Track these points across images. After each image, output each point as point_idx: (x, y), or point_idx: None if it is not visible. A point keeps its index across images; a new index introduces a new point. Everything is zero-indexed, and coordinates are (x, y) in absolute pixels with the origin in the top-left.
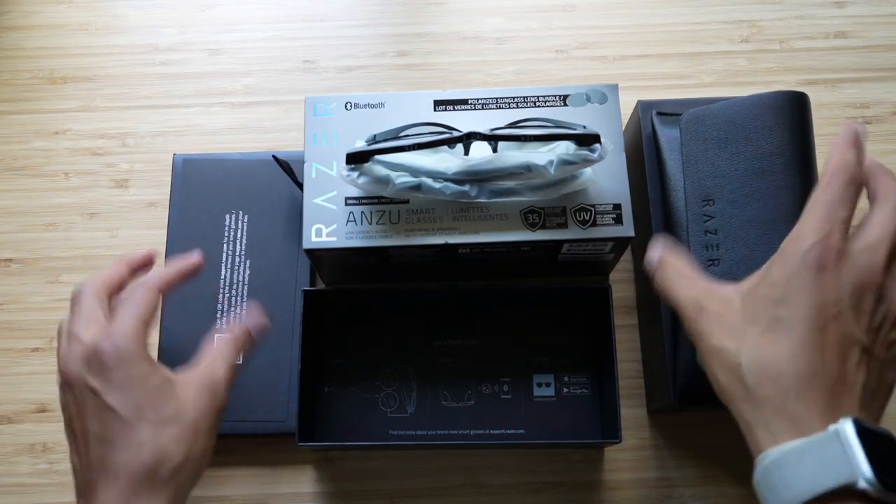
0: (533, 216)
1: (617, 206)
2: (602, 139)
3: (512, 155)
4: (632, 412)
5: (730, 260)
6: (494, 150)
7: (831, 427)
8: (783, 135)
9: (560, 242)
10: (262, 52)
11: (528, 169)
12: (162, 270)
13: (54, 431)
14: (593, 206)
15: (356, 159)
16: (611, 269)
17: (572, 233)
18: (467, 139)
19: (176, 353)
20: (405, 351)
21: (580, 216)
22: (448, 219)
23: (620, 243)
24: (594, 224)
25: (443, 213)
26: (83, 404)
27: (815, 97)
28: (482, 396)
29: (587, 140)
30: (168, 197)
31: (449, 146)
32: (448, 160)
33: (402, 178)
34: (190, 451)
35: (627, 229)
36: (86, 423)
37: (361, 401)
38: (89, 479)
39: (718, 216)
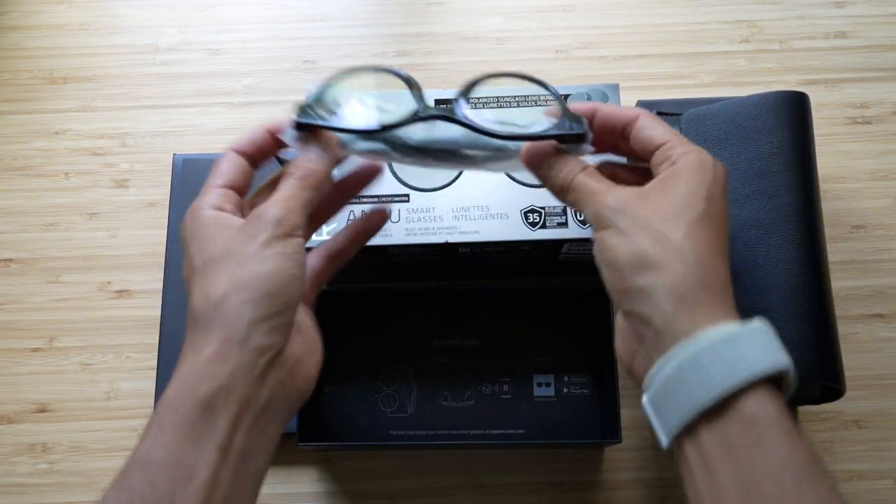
0: (533, 216)
1: None
2: (589, 135)
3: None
4: (632, 412)
5: (729, 260)
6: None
7: (756, 320)
8: (783, 135)
9: (560, 242)
10: (262, 52)
11: (500, 150)
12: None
13: (54, 431)
14: None
15: (305, 129)
16: None
17: (572, 232)
18: (427, 119)
19: (176, 354)
20: (405, 351)
21: (580, 216)
22: (448, 218)
23: None
24: None
25: (443, 213)
26: None
27: (815, 97)
28: (482, 396)
29: (570, 139)
30: (168, 197)
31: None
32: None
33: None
34: (233, 282)
35: None
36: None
37: (361, 401)
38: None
39: None
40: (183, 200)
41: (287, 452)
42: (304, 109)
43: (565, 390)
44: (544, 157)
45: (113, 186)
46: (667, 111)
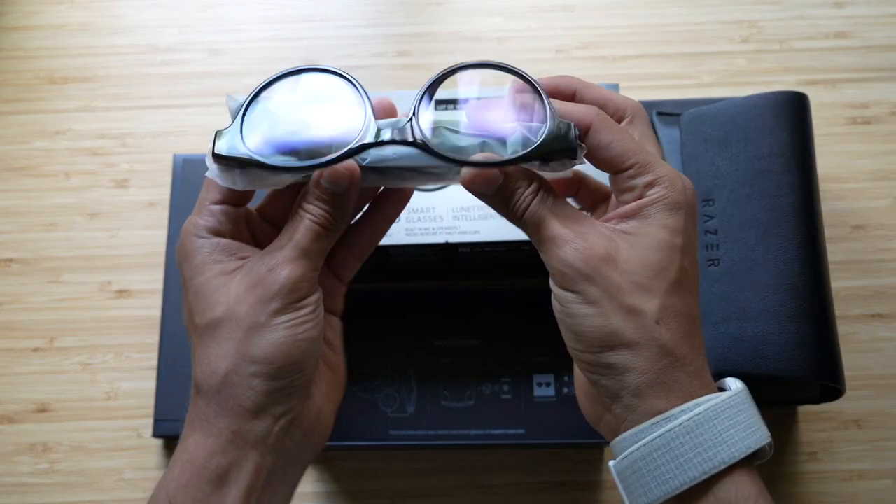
0: None
1: None
2: (578, 147)
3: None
4: None
5: (730, 260)
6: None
7: (735, 385)
8: (783, 135)
9: None
10: (262, 52)
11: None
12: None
13: (55, 431)
14: None
15: (229, 162)
16: None
17: None
18: (377, 145)
19: (176, 354)
20: (405, 351)
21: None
22: (448, 218)
23: None
24: None
25: (443, 213)
26: None
27: (815, 97)
28: (482, 396)
29: (552, 156)
30: (168, 197)
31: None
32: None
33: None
34: (241, 355)
35: None
36: None
37: (361, 401)
38: None
39: (718, 216)
40: (183, 200)
41: None
42: (221, 135)
43: (565, 390)
44: (489, 182)
45: (113, 186)
46: (667, 111)
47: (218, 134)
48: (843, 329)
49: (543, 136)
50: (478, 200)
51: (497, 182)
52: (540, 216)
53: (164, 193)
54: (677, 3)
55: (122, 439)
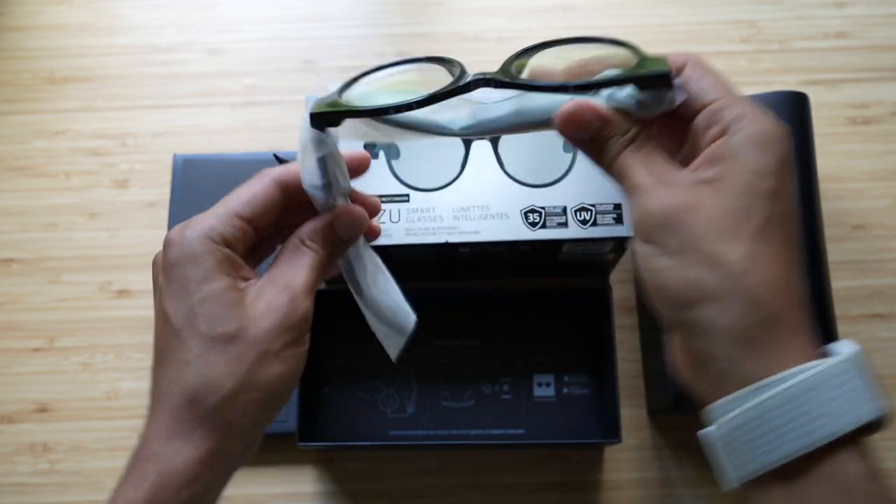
0: (533, 216)
1: (618, 206)
2: (676, 79)
3: (536, 99)
4: (632, 412)
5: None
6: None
7: (848, 348)
8: None
9: (560, 242)
10: (262, 52)
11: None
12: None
13: (55, 431)
14: (594, 205)
15: (325, 122)
16: (611, 269)
17: (572, 232)
18: (472, 87)
19: None
20: (405, 351)
21: (580, 216)
22: (448, 218)
23: (620, 243)
24: (594, 224)
25: (443, 213)
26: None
27: (815, 97)
28: (482, 396)
29: (653, 82)
30: (168, 197)
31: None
32: (452, 108)
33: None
34: (248, 378)
35: (628, 229)
36: (154, 326)
37: (361, 401)
38: (151, 396)
39: None
40: (183, 200)
41: (287, 452)
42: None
43: (565, 390)
44: (585, 126)
45: (113, 186)
46: None
47: (314, 103)
48: (843, 329)
49: (638, 61)
50: (478, 200)
51: (593, 126)
52: (627, 164)
53: (164, 193)
54: (677, 3)
55: (122, 439)
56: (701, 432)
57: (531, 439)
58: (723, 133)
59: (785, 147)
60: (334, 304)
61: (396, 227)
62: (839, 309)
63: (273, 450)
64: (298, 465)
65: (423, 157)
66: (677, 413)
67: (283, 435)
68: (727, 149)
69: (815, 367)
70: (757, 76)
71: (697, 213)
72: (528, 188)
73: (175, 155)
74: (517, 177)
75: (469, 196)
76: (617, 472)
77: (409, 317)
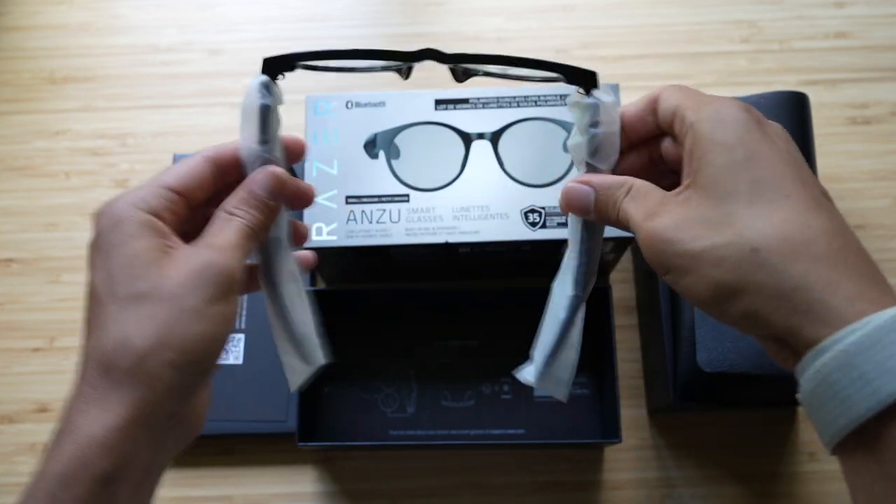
0: (533, 216)
1: None
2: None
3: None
4: (632, 412)
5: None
6: (459, 80)
7: None
8: None
9: (560, 242)
10: (262, 52)
11: None
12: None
13: None
14: None
15: (277, 65)
16: (611, 269)
17: None
18: (419, 57)
19: None
20: (405, 351)
21: None
22: (448, 218)
23: (620, 243)
24: None
25: (443, 213)
26: None
27: (815, 97)
28: (482, 396)
29: (579, 76)
30: None
31: (398, 68)
32: None
33: None
34: (164, 336)
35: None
36: None
37: (361, 401)
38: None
39: None
40: None
41: (287, 452)
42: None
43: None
44: (584, 197)
45: (113, 186)
46: None
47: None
48: None
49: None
50: (478, 200)
51: (588, 193)
52: (627, 212)
53: None
54: (677, 3)
55: None
56: (798, 395)
57: (531, 439)
58: (688, 129)
59: (744, 114)
60: (334, 304)
61: (396, 227)
62: None
63: (273, 450)
64: (298, 465)
65: (423, 157)
66: (677, 413)
67: (283, 435)
68: (694, 139)
69: (873, 321)
70: (757, 76)
71: (687, 218)
72: (528, 188)
73: (175, 155)
74: (517, 177)
75: (469, 196)
76: (617, 472)
77: (317, 352)
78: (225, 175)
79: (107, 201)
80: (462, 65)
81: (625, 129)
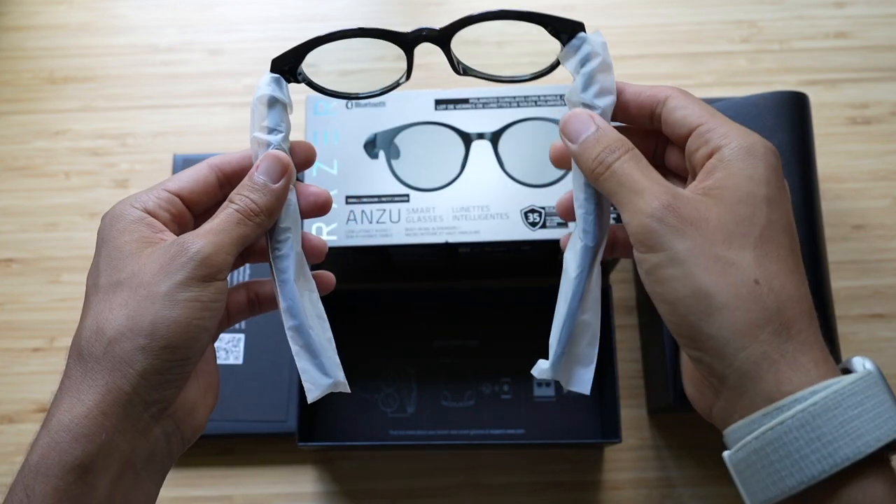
0: (533, 216)
1: None
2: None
3: None
4: (632, 412)
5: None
6: (457, 71)
7: (864, 366)
8: (783, 135)
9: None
10: (262, 52)
11: None
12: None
13: None
14: None
15: (284, 62)
16: (611, 270)
17: None
18: (415, 39)
19: None
20: (405, 351)
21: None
22: (448, 218)
23: None
24: None
25: (443, 213)
26: None
27: (815, 97)
28: (482, 396)
29: (564, 25)
30: None
31: (393, 41)
32: None
33: None
34: (134, 322)
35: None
36: None
37: (361, 401)
38: None
39: None
40: None
41: (287, 452)
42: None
43: (565, 390)
44: (585, 125)
45: (113, 186)
46: None
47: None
48: (843, 329)
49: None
50: (478, 200)
51: (585, 121)
52: (625, 170)
53: None
54: (677, 3)
55: None
56: (724, 455)
57: (531, 439)
58: (713, 151)
59: (774, 159)
60: (334, 304)
61: (396, 227)
62: (839, 309)
63: (273, 450)
64: (298, 465)
65: (423, 157)
66: (677, 413)
67: (283, 435)
68: (720, 163)
69: (834, 384)
70: (757, 76)
71: (702, 221)
72: (528, 188)
73: (175, 155)
74: (517, 177)
75: (469, 196)
76: (617, 472)
77: (338, 369)
78: (231, 183)
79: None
80: (458, 51)
81: (619, 108)
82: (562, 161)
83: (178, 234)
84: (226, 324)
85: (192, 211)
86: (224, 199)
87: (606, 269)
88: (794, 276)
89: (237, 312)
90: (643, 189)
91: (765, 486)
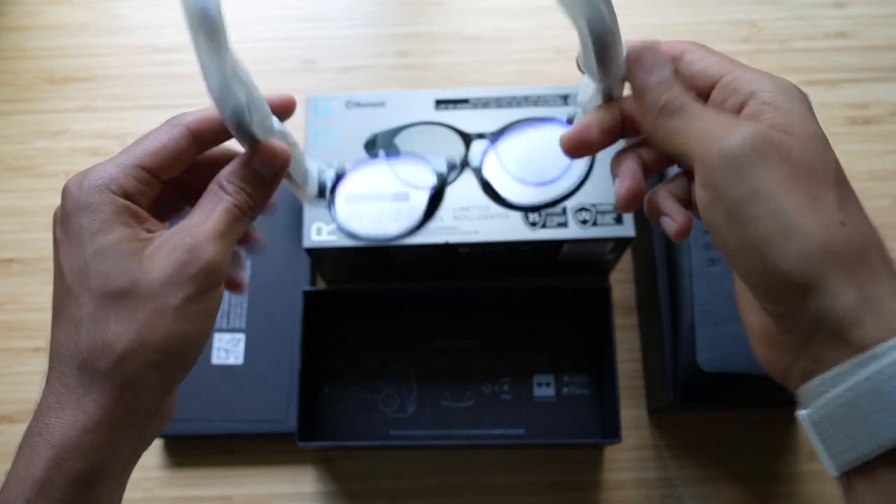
0: (533, 216)
1: None
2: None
3: None
4: (632, 412)
5: None
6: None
7: None
8: None
9: (560, 242)
10: (262, 52)
11: None
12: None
13: None
14: (594, 205)
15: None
16: (611, 269)
17: (572, 232)
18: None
19: None
20: (405, 351)
21: (580, 216)
22: (448, 218)
23: (620, 243)
24: (594, 224)
25: (443, 213)
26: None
27: (815, 97)
28: (482, 396)
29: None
30: None
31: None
32: None
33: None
34: (145, 338)
35: (628, 229)
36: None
37: (361, 401)
38: (48, 361)
39: None
40: None
41: (287, 452)
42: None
43: (565, 390)
44: (658, 60)
45: None
46: None
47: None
48: None
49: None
50: (478, 201)
51: (647, 54)
52: (699, 108)
53: None
54: (677, 3)
55: None
56: (800, 413)
57: (531, 439)
58: (747, 98)
59: (808, 99)
60: (334, 304)
61: (396, 227)
62: None
63: (273, 450)
64: (298, 465)
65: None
66: (677, 413)
67: (283, 435)
68: (765, 105)
69: None
70: None
71: (789, 150)
72: (528, 188)
73: None
74: (517, 177)
75: (469, 196)
76: (617, 472)
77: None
78: (206, 144)
79: (75, 176)
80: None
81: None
82: (580, 148)
83: (158, 218)
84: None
85: (160, 178)
86: (197, 162)
87: (606, 269)
88: (868, 219)
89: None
90: (723, 120)
91: (855, 442)
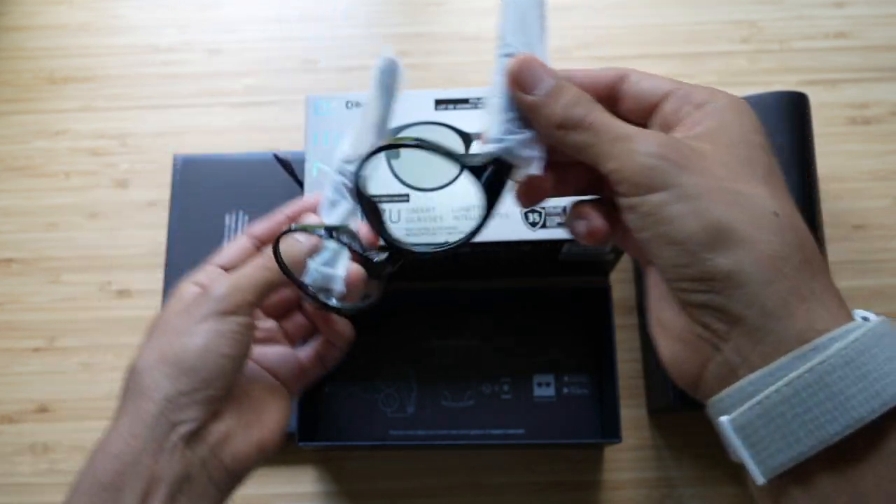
0: (533, 216)
1: None
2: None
3: None
4: (632, 412)
5: None
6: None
7: (873, 316)
8: (783, 135)
9: (560, 242)
10: (262, 52)
11: None
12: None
13: (55, 431)
14: None
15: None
16: (611, 269)
17: None
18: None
19: None
20: (405, 351)
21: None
22: (448, 218)
23: None
24: None
25: (443, 213)
26: None
27: (815, 97)
28: (482, 396)
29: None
30: (168, 197)
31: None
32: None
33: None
34: (160, 355)
35: None
36: None
37: (361, 401)
38: None
39: None
40: (183, 200)
41: (287, 452)
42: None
43: (565, 390)
44: (533, 71)
45: (113, 186)
46: None
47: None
48: None
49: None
50: (478, 200)
51: (542, 76)
52: (604, 119)
53: (164, 193)
54: (677, 3)
55: None
56: (721, 420)
57: (531, 439)
58: (695, 108)
59: (756, 116)
60: None
61: (396, 228)
62: None
63: None
64: (298, 465)
65: (423, 157)
66: (677, 413)
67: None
68: (707, 115)
69: (867, 324)
70: (757, 76)
71: (705, 158)
72: None
73: (175, 155)
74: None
75: (469, 196)
76: (617, 472)
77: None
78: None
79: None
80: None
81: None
82: (531, 197)
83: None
84: (298, 381)
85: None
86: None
87: (606, 269)
88: (801, 217)
89: (305, 372)
90: (631, 133)
91: (791, 441)
